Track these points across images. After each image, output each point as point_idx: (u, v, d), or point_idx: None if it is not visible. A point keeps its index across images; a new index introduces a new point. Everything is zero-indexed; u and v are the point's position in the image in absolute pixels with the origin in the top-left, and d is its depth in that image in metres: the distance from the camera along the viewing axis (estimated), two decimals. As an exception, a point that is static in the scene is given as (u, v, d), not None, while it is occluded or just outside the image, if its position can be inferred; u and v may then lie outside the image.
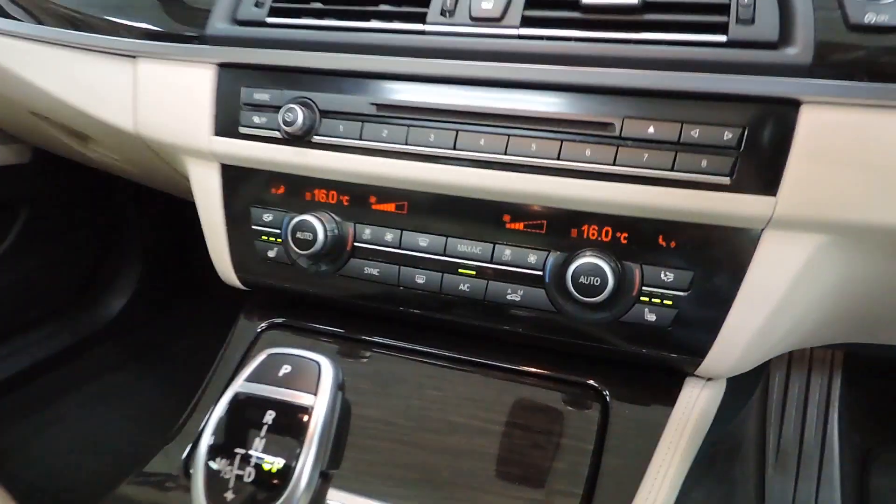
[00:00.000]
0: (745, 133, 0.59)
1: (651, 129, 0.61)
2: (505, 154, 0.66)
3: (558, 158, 0.65)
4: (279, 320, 0.83)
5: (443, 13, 0.68)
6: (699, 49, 0.60)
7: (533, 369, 0.72)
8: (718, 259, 0.62)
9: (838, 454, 1.36)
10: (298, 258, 0.76)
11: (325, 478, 0.42)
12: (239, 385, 0.42)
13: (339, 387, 0.44)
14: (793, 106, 0.58)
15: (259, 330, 0.83)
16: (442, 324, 0.74)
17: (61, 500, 1.22)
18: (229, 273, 0.83)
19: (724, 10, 0.59)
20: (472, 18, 0.66)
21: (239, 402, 0.41)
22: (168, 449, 0.73)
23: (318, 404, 0.41)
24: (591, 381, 0.70)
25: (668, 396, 0.68)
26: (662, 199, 0.62)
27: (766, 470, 1.39)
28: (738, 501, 1.14)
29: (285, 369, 0.42)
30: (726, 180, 0.60)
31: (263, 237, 0.79)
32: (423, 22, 0.68)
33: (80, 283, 1.73)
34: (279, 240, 0.78)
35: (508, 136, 0.66)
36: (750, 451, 1.30)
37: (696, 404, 0.67)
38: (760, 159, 0.59)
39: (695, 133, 0.60)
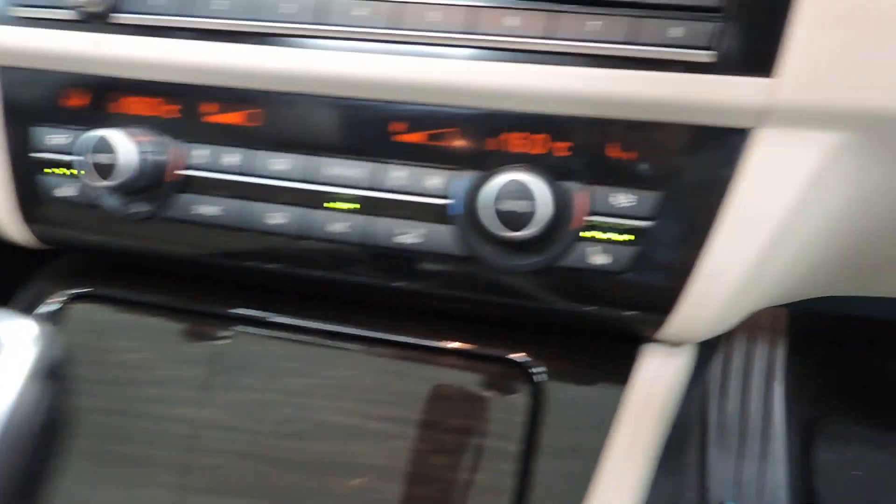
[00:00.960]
0: (733, -13, 0.41)
1: (598, -14, 0.42)
2: (392, 27, 0.46)
3: (466, 31, 0.45)
4: (83, 291, 0.58)
5: None
6: None
7: (437, 343, 0.52)
8: (694, 173, 0.44)
9: (783, 429, 1.26)
10: (99, 193, 0.52)
11: None
12: None
13: (48, 375, 0.22)
14: (799, -56, 0.40)
15: (54, 308, 0.58)
16: (310, 284, 0.53)
17: None
18: (14, 225, 0.58)
19: None
20: None
21: None
22: None
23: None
24: (517, 356, 0.50)
25: (620, 372, 0.49)
26: (616, 86, 0.43)
27: (708, 450, 1.27)
28: (684, 491, 1.00)
29: None
30: (706, 56, 0.42)
31: (51, 168, 0.54)
32: None
33: None
34: (74, 170, 0.54)
35: (394, 6, 0.45)
36: (693, 432, 1.17)
37: (657, 381, 0.49)
38: (752, 24, 0.41)
39: (661, -11, 0.41)
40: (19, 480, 0.21)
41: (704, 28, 0.42)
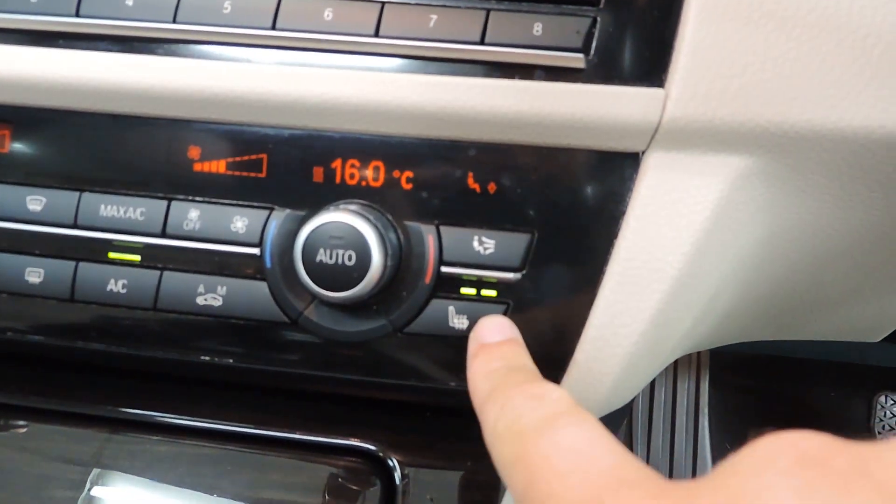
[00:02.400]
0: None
1: (441, -31, 0.32)
2: (174, 21, 0.34)
3: (273, 28, 0.34)
4: None
5: None
6: None
7: (261, 431, 0.40)
8: (571, 209, 0.34)
9: (710, 464, 1.20)
10: None
11: None
12: None
13: None
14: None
15: None
16: (88, 362, 0.40)
17: None
18: None
19: None
20: None
21: None
22: None
23: None
24: (369, 445, 0.39)
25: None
26: (466, 97, 0.33)
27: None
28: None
29: None
30: (579, 59, 0.32)
31: None
32: None
33: None
34: None
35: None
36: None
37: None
38: (635, 21, 0.32)
39: (519, -26, 0.32)
40: None
41: (576, 24, 0.32)
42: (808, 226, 0.37)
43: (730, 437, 1.23)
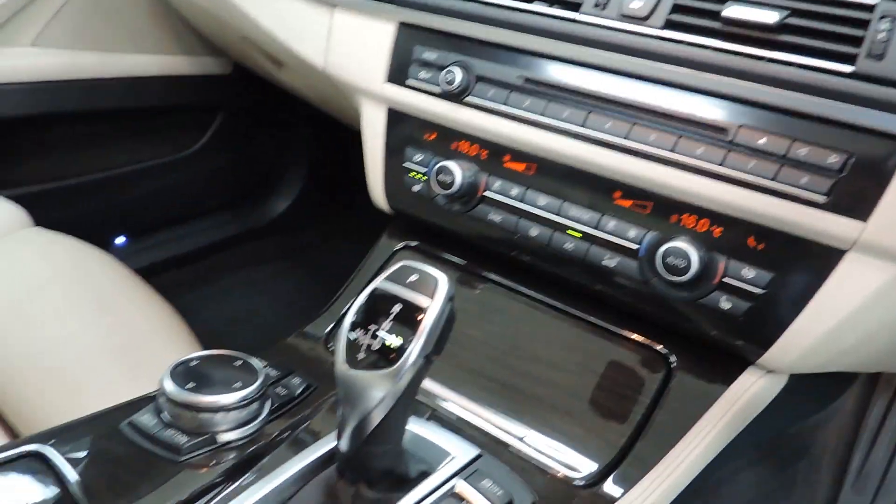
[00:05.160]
0: (850, 160, 0.64)
1: (762, 140, 0.68)
2: (625, 139, 0.76)
3: (672, 151, 0.73)
4: (413, 244, 0.99)
5: (596, 6, 0.77)
6: (824, 75, 0.65)
7: (614, 327, 0.83)
8: (799, 268, 0.69)
9: None
10: (437, 196, 0.91)
11: (427, 361, 0.57)
12: (378, 282, 0.58)
13: (450, 298, 0.58)
14: (902, 143, 0.62)
15: (395, 249, 1.00)
16: (546, 273, 0.87)
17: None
18: (381, 198, 1.00)
19: (858, 42, 0.64)
20: (621, 15, 0.75)
21: (376, 295, 0.57)
22: (315, 324, 0.93)
23: (432, 307, 0.56)
24: (662, 347, 0.80)
25: (726, 377, 0.76)
26: (760, 204, 0.69)
27: (844, 486, 1.39)
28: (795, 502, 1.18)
29: (413, 277, 0.58)
30: (822, 199, 0.66)
31: (412, 173, 0.94)
32: (577, 11, 0.78)
33: (254, 183, 2.03)
34: (425, 177, 0.93)
35: (632, 123, 0.75)
36: (825, 461, 1.31)
37: (749, 390, 0.75)
38: (858, 186, 0.64)
39: (802, 151, 0.66)
40: (440, 340, 0.58)
41: (825, 181, 0.66)
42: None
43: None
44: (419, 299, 0.56)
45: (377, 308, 0.57)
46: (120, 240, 1.76)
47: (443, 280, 0.57)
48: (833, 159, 0.65)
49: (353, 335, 0.57)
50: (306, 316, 0.98)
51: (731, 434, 0.75)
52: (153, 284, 1.15)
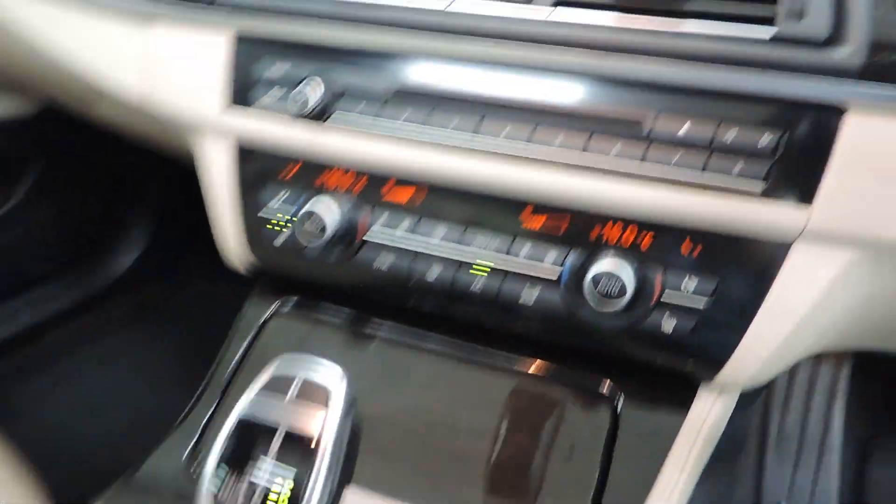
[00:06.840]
0: (783, 138, 0.56)
1: (684, 128, 0.58)
2: (528, 143, 0.63)
3: (584, 152, 0.61)
4: (289, 304, 0.81)
5: (468, -7, 0.64)
6: (741, 45, 0.56)
7: (544, 370, 0.71)
8: (745, 269, 0.60)
9: (839, 443, 1.36)
10: (307, 247, 0.73)
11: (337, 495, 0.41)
12: (244, 406, 0.40)
13: (351, 404, 0.42)
14: (837, 113, 0.54)
15: (265, 318, 0.81)
16: (455, 318, 0.73)
17: (73, 460, 1.23)
18: (236, 259, 0.81)
19: (774, 0, 0.56)
20: (499, -1, 0.62)
21: (245, 426, 0.40)
22: (168, 444, 0.70)
23: (328, 428, 0.39)
24: (603, 386, 0.69)
25: (682, 405, 0.66)
26: (691, 204, 0.59)
27: (766, 456, 1.39)
28: (736, 493, 1.14)
29: (293, 388, 0.41)
30: (759, 187, 0.57)
31: (272, 223, 0.76)
32: None
33: (90, 239, 1.72)
34: (289, 226, 0.75)
35: (533, 126, 0.63)
36: (752, 442, 1.30)
37: (709, 415, 0.66)
38: (797, 167, 0.56)
39: (730, 135, 0.57)
40: (347, 463, 0.42)
41: (760, 166, 0.57)
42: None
43: (863, 421, 1.37)
44: (307, 421, 0.39)
45: (251, 440, 0.40)
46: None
47: (336, 386, 0.41)
48: (766, 139, 0.56)
49: (216, 488, 0.40)
50: (176, 395, 0.76)
51: (698, 471, 0.65)
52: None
